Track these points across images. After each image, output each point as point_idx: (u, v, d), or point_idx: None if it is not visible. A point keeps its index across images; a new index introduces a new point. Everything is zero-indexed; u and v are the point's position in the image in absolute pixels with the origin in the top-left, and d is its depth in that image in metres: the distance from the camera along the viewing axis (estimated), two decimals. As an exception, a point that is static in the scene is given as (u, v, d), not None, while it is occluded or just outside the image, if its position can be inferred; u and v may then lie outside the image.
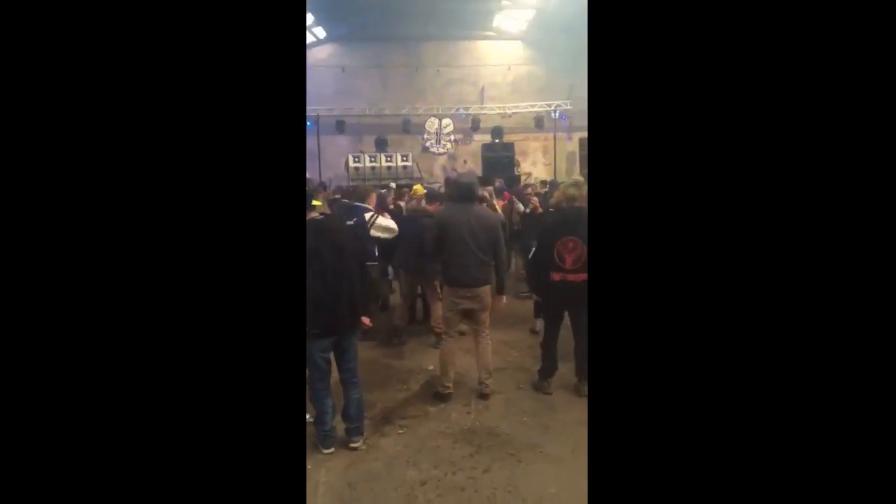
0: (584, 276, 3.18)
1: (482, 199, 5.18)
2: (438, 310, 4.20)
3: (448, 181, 3.80)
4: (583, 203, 3.29)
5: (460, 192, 3.33)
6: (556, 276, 3.25)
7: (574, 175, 11.44)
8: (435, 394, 3.38)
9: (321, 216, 2.68)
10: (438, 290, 4.19)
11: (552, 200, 4.45)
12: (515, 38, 14.31)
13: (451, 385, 3.35)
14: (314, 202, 2.71)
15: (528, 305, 4.92)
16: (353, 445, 2.75)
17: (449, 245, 3.21)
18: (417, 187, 5.60)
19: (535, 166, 13.76)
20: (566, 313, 3.42)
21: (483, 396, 3.35)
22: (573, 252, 3.21)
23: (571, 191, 3.34)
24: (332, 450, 2.71)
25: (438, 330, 4.26)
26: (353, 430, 2.78)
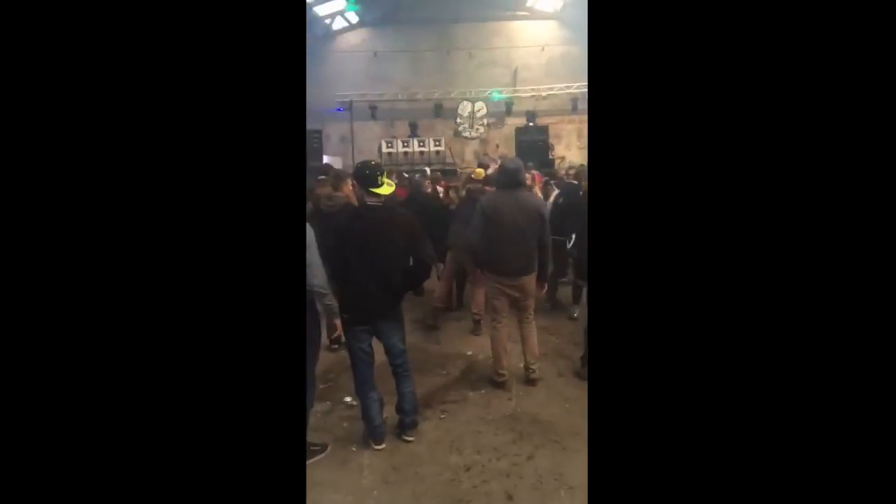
0: None
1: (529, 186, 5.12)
2: (480, 296, 4.18)
3: (500, 166, 3.74)
4: None
5: (506, 178, 3.26)
6: None
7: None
8: (490, 382, 3.35)
9: (375, 202, 2.52)
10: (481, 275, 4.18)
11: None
12: (550, 18, 13.96)
13: (506, 372, 3.32)
14: (385, 184, 2.53)
15: (566, 292, 4.85)
16: (406, 439, 2.71)
17: (493, 233, 3.16)
18: (479, 171, 5.55)
19: (569, 150, 13.47)
20: None
21: (530, 382, 3.31)
22: None
23: None
24: (383, 445, 2.65)
25: (477, 317, 4.25)
26: (408, 424, 2.73)
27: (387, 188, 2.52)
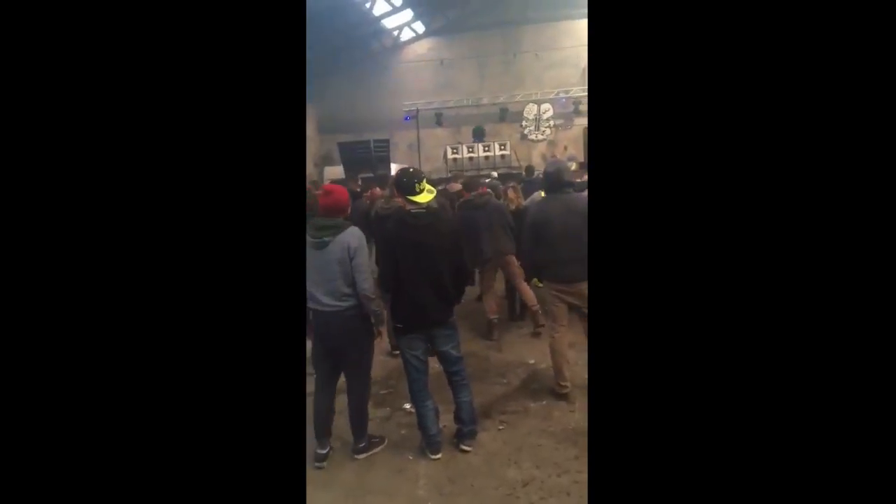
0: None
1: (585, 185, 4.91)
2: (528, 290, 4.16)
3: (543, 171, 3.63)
4: None
5: (550, 181, 3.14)
6: None
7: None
8: (552, 393, 3.21)
9: (419, 210, 2.49)
10: (519, 269, 4.15)
11: None
12: (620, 13, 13.43)
13: (568, 384, 3.16)
14: (425, 192, 2.49)
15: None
16: (464, 448, 2.65)
17: (541, 239, 3.05)
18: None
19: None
20: None
21: None
22: None
23: None
24: (439, 455, 2.60)
25: (535, 308, 4.14)
26: (466, 434, 2.67)
27: (426, 195, 2.49)
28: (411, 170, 2.67)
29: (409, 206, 2.51)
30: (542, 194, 4.27)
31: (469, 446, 2.65)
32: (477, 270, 4.59)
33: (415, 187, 2.48)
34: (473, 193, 4.42)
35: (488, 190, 4.59)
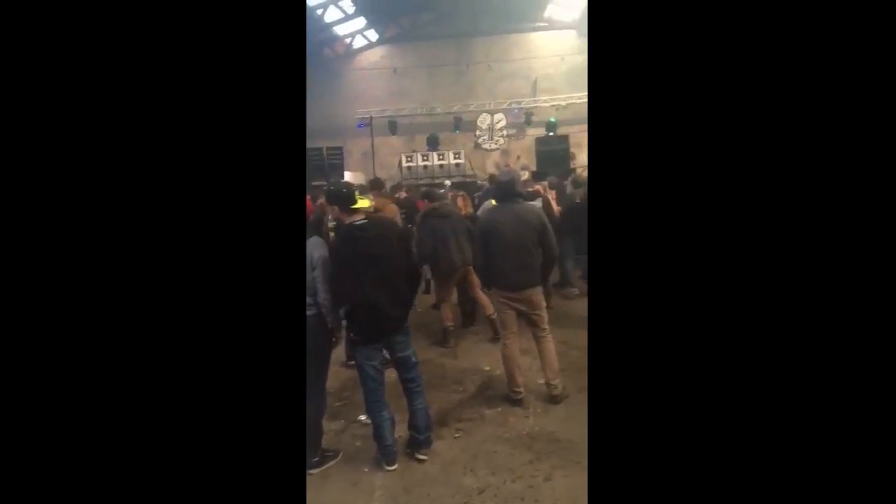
0: None
1: (536, 195, 5.03)
2: (485, 298, 4.18)
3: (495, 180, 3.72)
4: None
5: (501, 190, 3.21)
6: None
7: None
8: (507, 399, 3.25)
9: (362, 221, 2.51)
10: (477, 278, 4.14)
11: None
12: (568, 28, 13.91)
13: (521, 389, 3.21)
14: (360, 201, 2.61)
15: (586, 304, 4.71)
16: (419, 457, 2.63)
17: (491, 249, 3.10)
18: (362, 200, 5.48)
19: (591, 159, 13.29)
20: None
21: (552, 399, 3.19)
22: None
23: None
24: (395, 466, 2.57)
25: (492, 316, 4.18)
26: (422, 442, 2.65)
27: (364, 201, 2.55)
28: (341, 181, 2.72)
29: (349, 219, 2.51)
30: (493, 202, 4.35)
31: (424, 455, 2.64)
32: (433, 279, 4.61)
33: (352, 198, 2.52)
34: (438, 203, 4.43)
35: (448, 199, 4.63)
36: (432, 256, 4.26)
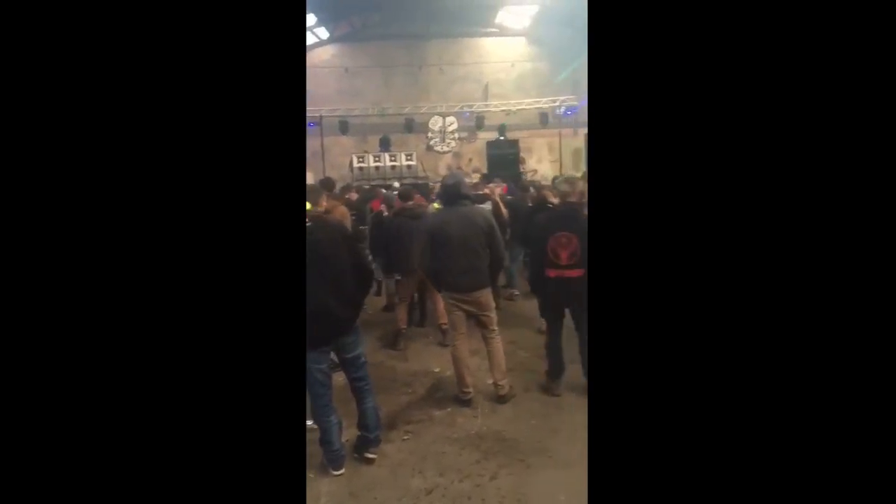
0: (579, 272, 3.11)
1: (485, 198, 5.10)
2: (440, 302, 4.14)
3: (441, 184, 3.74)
4: (576, 199, 3.26)
5: (448, 193, 3.23)
6: (552, 273, 3.19)
7: (580, 171, 11.31)
8: (456, 400, 3.28)
9: (307, 224, 2.46)
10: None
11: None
12: (518, 35, 14.21)
13: (471, 390, 3.25)
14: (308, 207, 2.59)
15: (535, 304, 4.83)
16: (369, 456, 2.61)
17: (438, 251, 3.12)
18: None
19: (540, 163, 13.63)
20: (567, 311, 3.33)
21: (500, 399, 3.24)
22: (567, 247, 3.13)
23: (563, 187, 3.36)
24: (342, 471, 2.53)
25: (444, 326, 4.19)
26: (371, 441, 2.62)
27: (307, 204, 2.52)
28: None
29: None
30: (436, 206, 4.41)
31: (374, 454, 2.62)
32: (391, 279, 4.59)
33: None
34: (410, 203, 4.42)
35: (424, 201, 4.63)
36: (388, 256, 4.25)
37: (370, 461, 2.60)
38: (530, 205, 5.36)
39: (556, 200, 3.39)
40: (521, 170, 11.91)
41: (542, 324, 4.43)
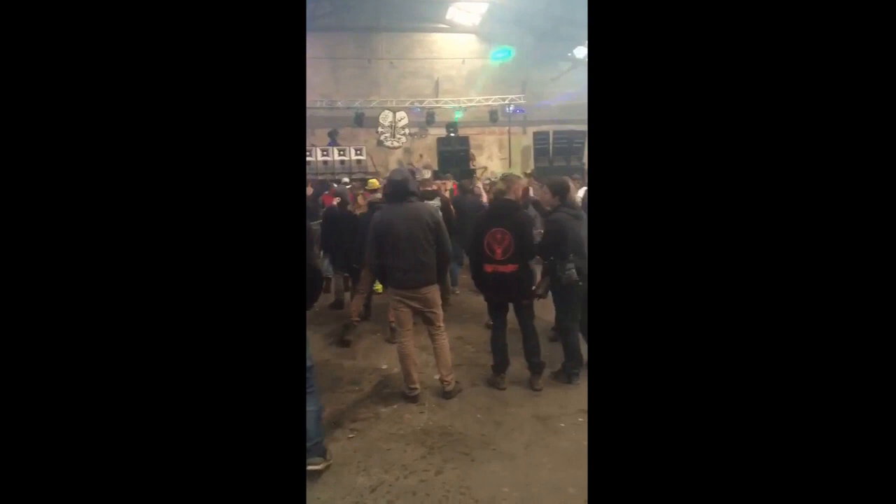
0: (513, 267, 3.22)
1: (434, 194, 5.11)
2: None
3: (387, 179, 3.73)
4: (511, 196, 3.37)
5: (394, 189, 3.21)
6: (489, 268, 3.28)
7: (529, 168, 11.55)
8: (403, 396, 3.27)
9: None
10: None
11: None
12: (469, 32, 14.28)
13: (417, 386, 3.25)
14: None
15: (482, 300, 4.90)
16: (311, 468, 2.40)
17: (385, 248, 3.11)
18: (373, 181, 5.46)
19: (490, 160, 13.81)
20: (510, 305, 3.41)
21: (446, 395, 3.26)
22: (501, 243, 3.21)
23: (500, 185, 3.45)
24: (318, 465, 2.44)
25: (394, 324, 4.17)
26: (312, 450, 2.42)
27: None
28: None
29: None
30: (379, 197, 4.38)
31: (317, 464, 2.46)
32: (340, 277, 4.52)
33: None
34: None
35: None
36: (337, 251, 4.18)
37: (311, 474, 2.41)
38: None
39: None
40: (472, 166, 12.03)
41: (489, 318, 4.54)
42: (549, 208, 3.52)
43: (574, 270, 3.19)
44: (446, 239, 3.21)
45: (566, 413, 3.02)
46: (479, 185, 6.34)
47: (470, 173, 10.85)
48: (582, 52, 14.20)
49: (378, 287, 4.04)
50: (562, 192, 3.39)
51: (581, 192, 4.71)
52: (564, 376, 3.42)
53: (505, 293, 3.32)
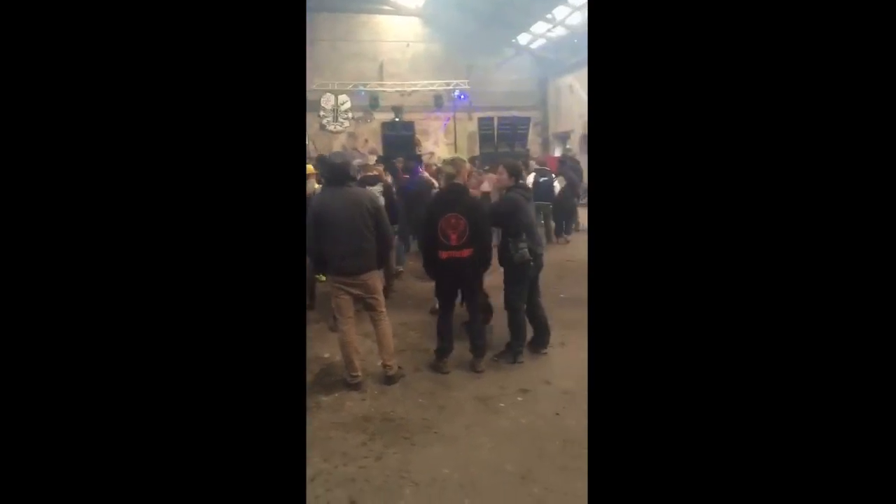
0: (468, 252, 3.22)
1: (377, 178, 5.03)
2: None
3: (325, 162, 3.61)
4: (460, 180, 3.36)
5: (332, 173, 3.13)
6: (444, 255, 3.25)
7: (475, 153, 11.59)
8: (345, 384, 3.22)
9: None
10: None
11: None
12: (413, 15, 14.05)
13: (359, 373, 3.21)
14: None
15: (429, 286, 4.90)
16: None
17: (324, 233, 3.03)
18: (308, 166, 5.29)
19: (436, 146, 13.74)
20: (459, 291, 3.43)
21: (389, 380, 3.25)
22: (457, 228, 3.21)
23: (448, 168, 3.42)
24: None
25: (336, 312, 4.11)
26: None
27: None
28: None
29: None
30: (317, 186, 4.27)
31: None
32: None
33: None
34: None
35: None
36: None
37: None
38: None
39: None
40: (417, 151, 11.94)
41: (435, 304, 4.54)
42: (504, 189, 3.61)
43: (526, 250, 3.28)
44: (387, 224, 3.17)
45: (506, 393, 3.08)
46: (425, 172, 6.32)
47: (415, 158, 10.78)
48: (525, 38, 14.32)
49: (321, 277, 3.93)
50: (517, 173, 3.61)
51: (530, 178, 5.97)
52: (510, 356, 3.48)
53: (459, 278, 3.33)
